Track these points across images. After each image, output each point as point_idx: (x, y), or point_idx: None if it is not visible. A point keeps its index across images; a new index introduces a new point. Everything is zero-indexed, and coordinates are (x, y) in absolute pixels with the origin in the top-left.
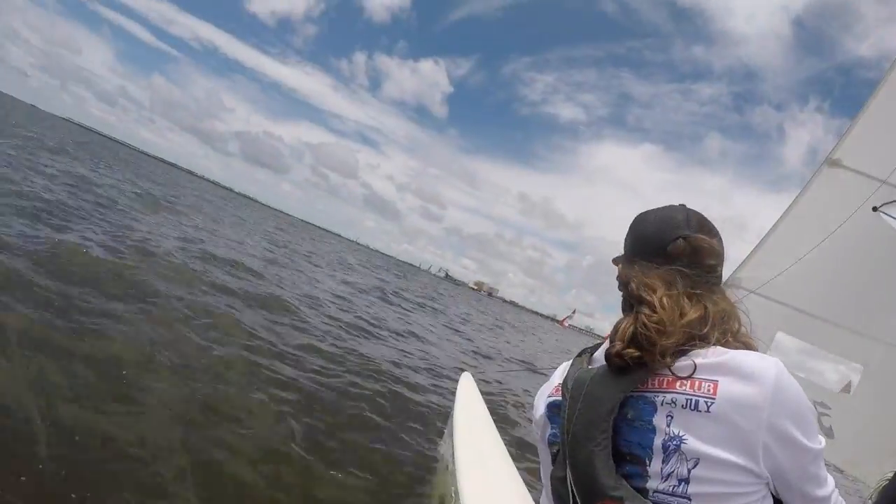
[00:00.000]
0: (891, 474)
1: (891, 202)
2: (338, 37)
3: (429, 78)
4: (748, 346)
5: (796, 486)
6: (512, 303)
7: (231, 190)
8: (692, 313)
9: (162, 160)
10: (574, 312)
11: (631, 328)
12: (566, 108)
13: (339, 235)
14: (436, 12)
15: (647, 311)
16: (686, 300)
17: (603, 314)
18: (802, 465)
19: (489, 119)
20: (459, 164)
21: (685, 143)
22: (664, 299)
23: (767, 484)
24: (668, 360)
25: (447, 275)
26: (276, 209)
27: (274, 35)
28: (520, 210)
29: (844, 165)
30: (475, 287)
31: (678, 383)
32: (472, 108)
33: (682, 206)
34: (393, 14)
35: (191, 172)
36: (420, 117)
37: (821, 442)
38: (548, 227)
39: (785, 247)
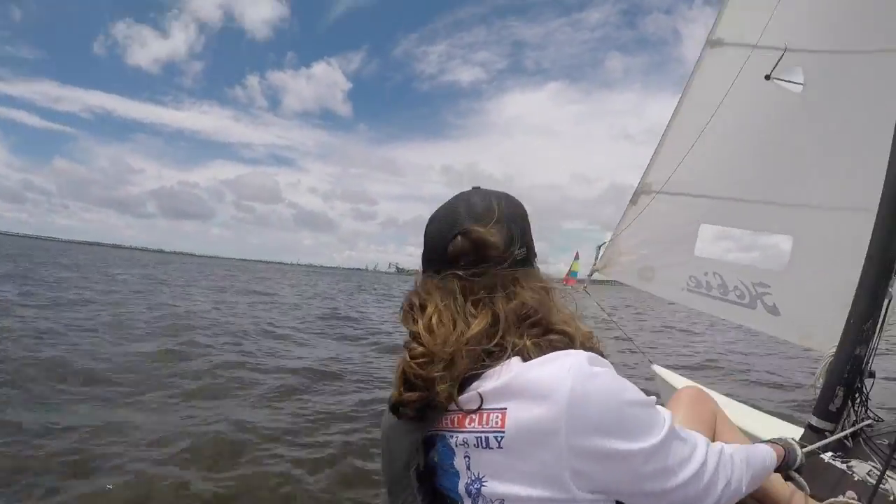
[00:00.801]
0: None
1: (779, 66)
2: (226, 66)
3: (325, 81)
4: (567, 335)
5: (639, 492)
6: None
7: (161, 251)
8: (476, 326)
9: (86, 243)
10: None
11: (401, 369)
12: (464, 72)
13: (281, 263)
14: (316, 14)
15: (413, 343)
16: (470, 309)
17: (554, 257)
18: (634, 470)
19: (394, 104)
20: (377, 156)
21: (587, 72)
22: (433, 320)
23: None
24: (453, 394)
25: (398, 268)
26: (211, 256)
27: (162, 82)
28: (446, 183)
29: (726, 42)
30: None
31: (467, 420)
32: (375, 98)
33: (473, 190)
34: (274, 27)
35: (117, 246)
36: (327, 122)
37: (658, 434)
38: None
39: (685, 139)
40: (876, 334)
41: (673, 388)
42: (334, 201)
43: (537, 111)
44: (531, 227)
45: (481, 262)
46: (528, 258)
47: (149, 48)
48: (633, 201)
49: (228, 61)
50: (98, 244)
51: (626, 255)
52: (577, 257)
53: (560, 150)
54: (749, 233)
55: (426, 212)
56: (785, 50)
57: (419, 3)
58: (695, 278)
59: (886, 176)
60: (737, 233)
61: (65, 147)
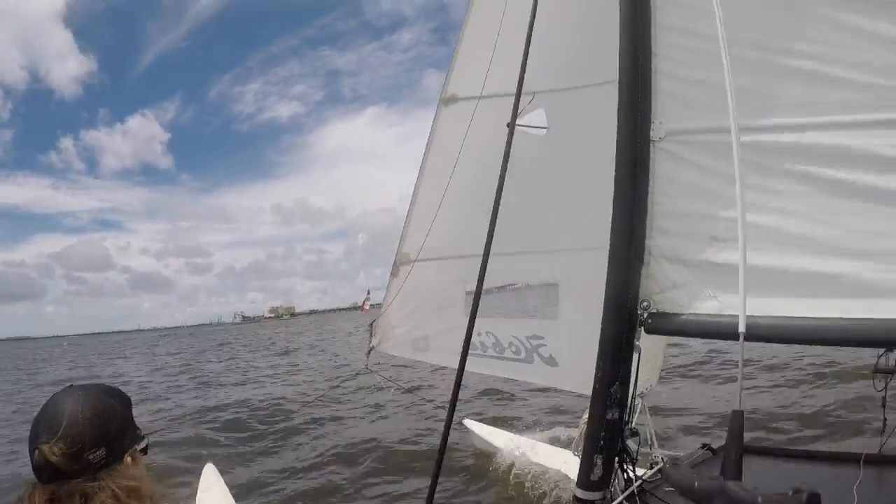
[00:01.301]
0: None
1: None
2: (37, 130)
3: (142, 134)
4: None
5: None
6: (313, 311)
7: None
8: None
9: None
10: (369, 293)
11: None
12: (282, 107)
13: (121, 331)
14: (124, 66)
15: None
16: None
17: None
18: None
19: (215, 150)
20: (205, 206)
21: (405, 92)
22: None
23: None
24: None
25: (243, 317)
26: (49, 336)
27: None
28: (279, 222)
29: (460, 98)
30: (272, 315)
31: None
32: (195, 146)
33: (65, 391)
34: (83, 83)
35: None
36: (149, 178)
37: None
38: (313, 226)
39: (432, 202)
40: (630, 393)
41: (489, 444)
42: (168, 259)
43: (359, 137)
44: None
45: (56, 476)
46: (110, 457)
47: None
48: (394, 273)
49: (39, 125)
50: None
51: (398, 327)
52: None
53: (386, 172)
54: (516, 285)
55: (262, 255)
56: (524, 94)
57: (229, 42)
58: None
59: (613, 206)
60: (503, 288)
61: None
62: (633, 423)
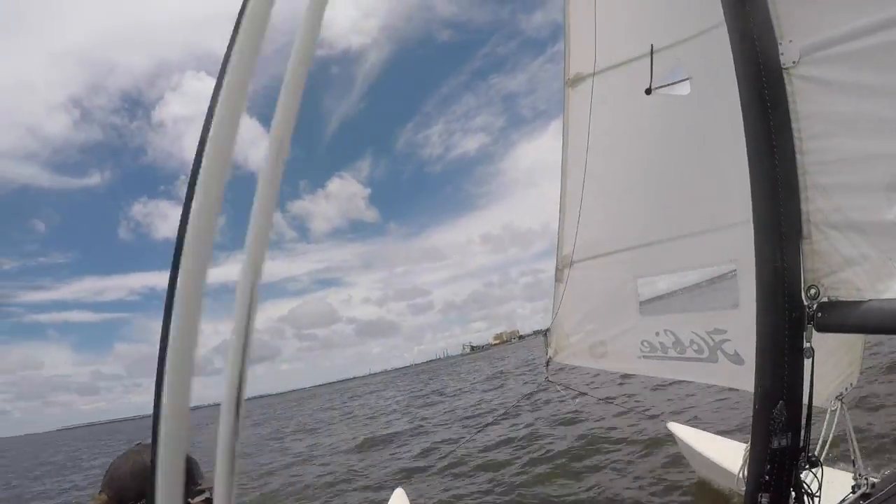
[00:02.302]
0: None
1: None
2: (248, 211)
3: (344, 194)
4: None
5: None
6: (537, 332)
7: None
8: None
9: None
10: None
11: None
12: (469, 141)
13: (354, 378)
14: (313, 138)
15: None
16: None
17: None
18: None
19: (414, 195)
20: (416, 248)
21: None
22: None
23: None
24: None
25: (472, 347)
26: (285, 392)
27: None
28: (490, 251)
29: (586, 74)
30: (497, 341)
31: None
32: (394, 195)
33: (130, 448)
34: None
35: (197, 407)
36: (358, 233)
37: None
38: (524, 249)
39: (583, 195)
40: (805, 411)
41: (692, 449)
42: (389, 304)
43: (550, 152)
44: None
45: None
46: None
47: (171, 219)
48: (558, 279)
49: (249, 207)
50: None
51: (573, 335)
52: None
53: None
54: (689, 272)
55: (479, 285)
56: (652, 52)
57: (402, 94)
58: (647, 342)
59: (749, 167)
60: (675, 279)
61: (121, 331)
62: (817, 448)
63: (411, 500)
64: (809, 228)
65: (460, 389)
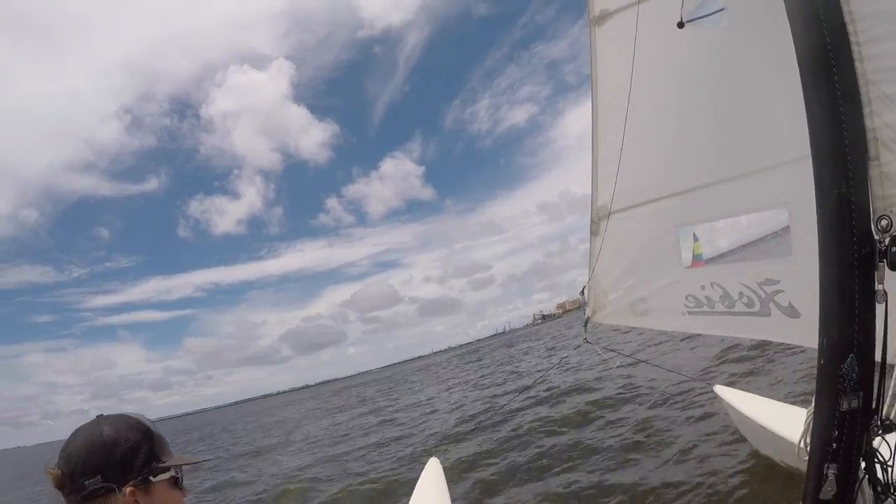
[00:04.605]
0: None
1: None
2: (302, 199)
3: (398, 174)
4: None
5: None
6: None
7: (307, 386)
8: None
9: (237, 402)
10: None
11: None
12: (516, 113)
13: (420, 357)
14: (362, 123)
15: None
16: None
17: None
18: None
19: (467, 171)
20: (474, 223)
21: None
22: None
23: None
24: None
25: (543, 316)
26: (354, 375)
27: (252, 238)
28: (548, 220)
29: (613, 10)
30: (560, 310)
31: None
32: (447, 172)
33: (91, 421)
34: (332, 146)
35: (267, 395)
36: (414, 213)
37: None
38: (582, 215)
39: (617, 141)
40: (880, 367)
41: (743, 416)
42: (450, 281)
43: None
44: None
45: (60, 491)
46: (107, 485)
47: (227, 214)
48: (594, 231)
49: (303, 195)
50: (249, 400)
51: (611, 292)
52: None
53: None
54: (734, 219)
55: (539, 256)
56: None
57: (445, 72)
58: (693, 297)
59: (801, 78)
60: (720, 225)
61: (190, 327)
62: (889, 411)
63: (445, 469)
64: (878, 148)
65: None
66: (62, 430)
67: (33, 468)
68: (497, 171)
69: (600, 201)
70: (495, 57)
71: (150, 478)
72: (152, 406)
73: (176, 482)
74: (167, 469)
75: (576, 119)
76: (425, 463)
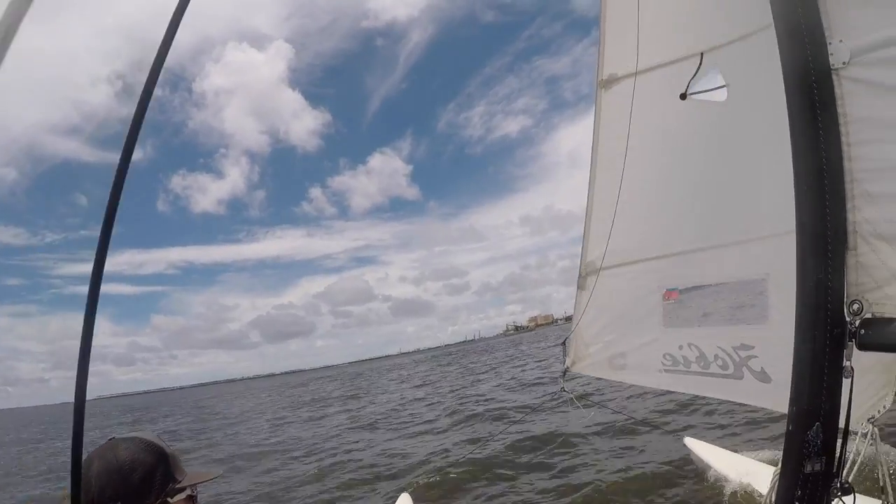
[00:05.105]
0: None
1: (692, 79)
2: (287, 187)
3: (385, 170)
4: None
5: None
6: (569, 317)
7: (272, 375)
8: None
9: (200, 384)
10: None
11: None
12: (510, 123)
13: (388, 356)
14: (355, 114)
15: None
16: None
17: None
18: None
19: (455, 175)
20: (455, 229)
21: None
22: None
23: None
24: None
25: (516, 327)
26: (320, 367)
27: (232, 220)
28: (529, 233)
29: (621, 76)
30: (531, 323)
31: None
32: (434, 175)
33: (104, 444)
34: (322, 134)
35: (231, 380)
36: (397, 211)
37: None
38: (563, 232)
39: (612, 201)
40: (842, 433)
41: (708, 465)
42: (426, 283)
43: (589, 134)
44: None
45: None
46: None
47: (209, 193)
48: (581, 286)
49: (288, 181)
50: (213, 383)
51: (592, 345)
52: None
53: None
54: (716, 285)
55: (517, 267)
56: (691, 57)
57: (444, 74)
58: (670, 356)
59: (794, 173)
60: (702, 290)
61: (159, 304)
62: (847, 474)
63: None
64: (856, 240)
65: None
66: (20, 398)
67: None
68: (484, 178)
69: (589, 257)
70: (496, 65)
71: (168, 499)
72: (114, 381)
73: (192, 499)
74: (184, 489)
75: (569, 136)
76: (396, 499)
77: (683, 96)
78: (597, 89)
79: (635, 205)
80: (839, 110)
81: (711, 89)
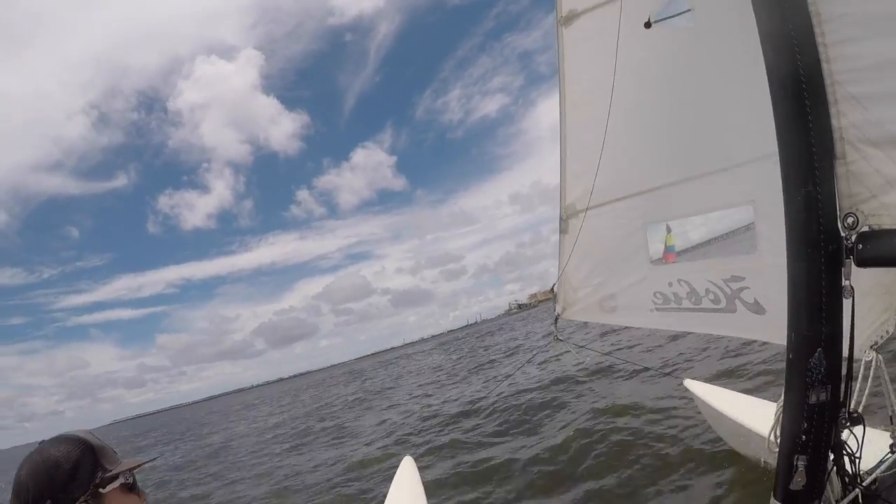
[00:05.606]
0: None
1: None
2: (273, 192)
3: (370, 164)
4: None
5: None
6: None
7: (281, 379)
8: None
9: (211, 397)
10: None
11: None
12: (488, 104)
13: (392, 348)
14: (333, 113)
15: None
16: None
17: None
18: None
19: (439, 161)
20: (445, 215)
21: None
22: None
23: None
24: None
25: (519, 306)
26: (328, 367)
27: (223, 233)
28: (520, 211)
29: (581, 11)
30: (531, 300)
31: None
32: (418, 163)
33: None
34: (302, 137)
35: (241, 390)
36: (386, 203)
37: None
38: (554, 206)
39: (586, 139)
40: (847, 359)
41: (713, 410)
42: (423, 272)
43: None
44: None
45: None
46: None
47: (198, 208)
48: (563, 230)
49: (274, 187)
50: (223, 394)
51: (581, 289)
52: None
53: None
54: (702, 216)
55: (511, 246)
56: None
57: (417, 62)
58: (661, 294)
59: (768, 75)
60: (687, 222)
61: (163, 324)
62: (856, 404)
63: (420, 468)
64: (843, 147)
65: None
66: (38, 433)
67: (6, 472)
68: (469, 161)
69: (568, 199)
70: (467, 47)
71: (100, 490)
72: (127, 404)
73: (129, 487)
74: (115, 477)
75: (548, 110)
76: (399, 462)
77: (648, 24)
78: (558, 27)
79: (609, 142)
80: (811, 9)
81: (676, 14)
